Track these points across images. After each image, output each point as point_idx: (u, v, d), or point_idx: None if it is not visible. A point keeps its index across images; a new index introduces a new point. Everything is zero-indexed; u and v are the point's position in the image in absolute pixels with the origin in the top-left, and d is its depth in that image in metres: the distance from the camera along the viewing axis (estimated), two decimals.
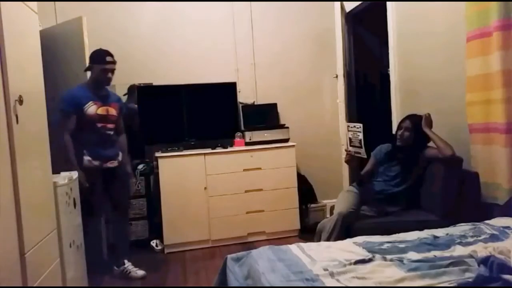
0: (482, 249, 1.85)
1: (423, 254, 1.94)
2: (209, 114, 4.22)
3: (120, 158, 3.24)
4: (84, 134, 3.04)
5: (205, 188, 3.89)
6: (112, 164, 3.17)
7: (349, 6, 4.34)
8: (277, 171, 4.07)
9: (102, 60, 3.10)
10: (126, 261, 3.31)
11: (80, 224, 3.04)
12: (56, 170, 2.67)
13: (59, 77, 3.55)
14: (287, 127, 4.23)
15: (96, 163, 3.07)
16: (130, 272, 3.26)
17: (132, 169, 3.51)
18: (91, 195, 3.03)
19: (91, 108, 3.05)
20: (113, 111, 3.18)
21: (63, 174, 2.85)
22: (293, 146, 4.11)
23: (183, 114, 4.13)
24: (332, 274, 1.73)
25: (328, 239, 2.70)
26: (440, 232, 2.28)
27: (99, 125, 3.08)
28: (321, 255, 1.99)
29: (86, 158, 3.05)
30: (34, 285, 2.04)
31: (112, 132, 3.18)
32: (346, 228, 2.75)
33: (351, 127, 2.99)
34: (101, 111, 3.09)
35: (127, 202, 3.44)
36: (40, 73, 2.42)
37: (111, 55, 3.13)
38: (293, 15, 4.59)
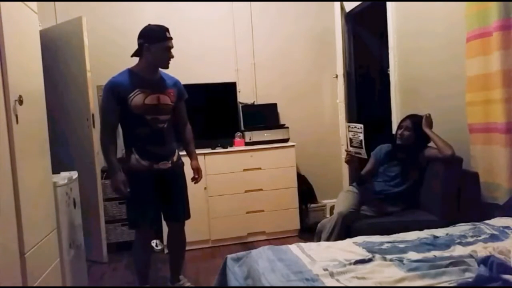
0: (482, 249, 1.85)
1: (423, 254, 1.93)
2: (209, 114, 4.22)
3: (175, 158, 2.74)
4: (131, 129, 2.62)
5: (205, 188, 3.89)
6: (164, 165, 2.66)
7: (349, 6, 4.34)
8: (277, 171, 4.07)
9: (162, 36, 2.56)
10: (182, 276, 2.96)
11: (80, 224, 3.04)
12: (56, 170, 2.68)
13: (59, 77, 3.56)
14: (287, 127, 4.23)
15: (144, 163, 2.60)
16: None
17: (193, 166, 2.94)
18: (138, 202, 2.64)
19: (138, 98, 2.53)
20: (166, 100, 2.64)
21: (63, 174, 2.85)
22: (293, 146, 4.11)
23: None
24: (332, 274, 1.73)
25: (328, 239, 2.70)
26: (440, 232, 2.28)
27: (148, 117, 2.57)
28: (321, 255, 1.99)
29: (134, 156, 2.59)
30: (34, 285, 2.04)
31: (165, 125, 2.67)
32: (346, 228, 2.75)
33: (352, 127, 2.99)
34: (150, 100, 2.56)
35: (182, 211, 2.82)
36: (40, 73, 2.42)
37: (168, 30, 2.61)
38: (293, 15, 4.59)
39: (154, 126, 2.61)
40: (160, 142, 2.66)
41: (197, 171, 2.92)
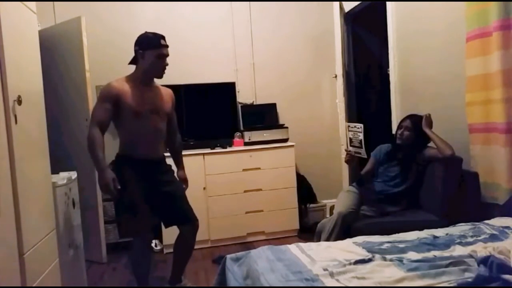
0: (481, 249, 1.85)
1: (422, 254, 1.94)
2: (208, 114, 4.21)
3: (167, 163, 2.80)
4: (125, 134, 2.63)
5: (204, 188, 3.89)
6: (159, 169, 2.71)
7: (348, 6, 4.34)
8: (276, 171, 4.06)
9: (156, 43, 2.56)
10: (183, 277, 2.90)
11: (79, 224, 3.04)
12: (55, 170, 2.67)
13: (58, 77, 3.56)
14: (286, 127, 4.22)
15: (138, 167, 2.59)
16: None
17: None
18: (133, 205, 2.55)
19: (133, 104, 2.54)
20: (160, 108, 2.67)
21: (62, 174, 2.85)
22: (292, 146, 4.11)
23: (182, 114, 4.11)
24: (331, 274, 1.73)
25: (328, 239, 2.70)
26: (440, 232, 2.28)
27: (142, 123, 2.58)
28: (321, 255, 1.99)
29: (127, 160, 2.60)
30: (33, 285, 2.04)
31: (159, 132, 2.69)
32: (346, 228, 2.74)
33: (352, 127, 2.99)
34: (144, 107, 2.57)
35: (190, 212, 2.78)
36: (39, 73, 2.41)
37: (164, 38, 2.62)
38: (292, 15, 4.58)
39: (148, 133, 2.61)
40: (154, 148, 2.67)
41: (184, 181, 2.94)
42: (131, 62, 2.66)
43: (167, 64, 2.64)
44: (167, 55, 2.63)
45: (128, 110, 2.54)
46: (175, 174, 2.90)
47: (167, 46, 2.62)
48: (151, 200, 2.60)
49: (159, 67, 2.61)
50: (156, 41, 2.57)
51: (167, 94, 2.79)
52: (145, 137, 2.62)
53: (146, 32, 2.64)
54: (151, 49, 2.56)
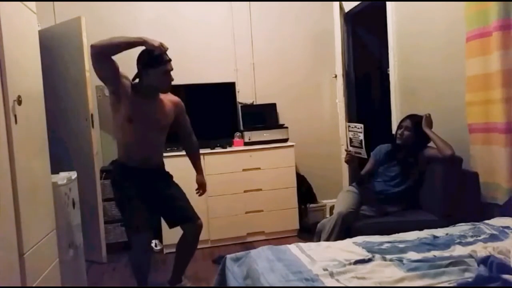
0: (481, 249, 1.85)
1: (422, 254, 1.93)
2: (208, 114, 4.21)
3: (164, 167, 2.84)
4: (123, 136, 2.61)
5: None
6: (156, 172, 2.75)
7: (348, 6, 4.34)
8: (276, 171, 4.06)
9: (161, 60, 2.50)
10: (183, 277, 2.93)
11: (79, 224, 3.04)
12: (55, 170, 2.67)
13: (58, 77, 3.56)
14: (286, 127, 4.22)
15: (134, 170, 2.62)
16: None
17: None
18: (133, 205, 2.58)
19: (133, 105, 2.54)
20: (159, 119, 2.65)
21: (62, 174, 2.85)
22: (292, 146, 4.11)
23: None
24: (331, 274, 1.73)
25: (328, 239, 2.70)
26: (439, 232, 2.28)
27: (140, 129, 2.57)
28: (321, 255, 1.99)
29: (124, 162, 2.63)
30: (33, 285, 2.04)
31: (158, 141, 2.72)
32: (346, 228, 2.74)
33: (352, 127, 2.99)
34: (142, 116, 2.57)
35: (179, 207, 2.78)
36: (39, 73, 2.42)
37: (166, 52, 2.54)
38: (292, 15, 4.59)
39: (140, 143, 2.60)
40: (146, 158, 2.65)
41: (201, 186, 3.02)
42: (135, 78, 2.60)
43: (172, 79, 2.60)
44: (172, 69, 2.57)
45: (123, 111, 2.53)
46: (174, 179, 2.89)
47: (170, 60, 2.56)
48: (149, 204, 2.62)
49: (166, 83, 2.59)
50: (160, 58, 2.50)
51: (170, 105, 2.73)
52: (137, 147, 2.61)
53: (146, 49, 2.52)
54: (155, 67, 2.51)
